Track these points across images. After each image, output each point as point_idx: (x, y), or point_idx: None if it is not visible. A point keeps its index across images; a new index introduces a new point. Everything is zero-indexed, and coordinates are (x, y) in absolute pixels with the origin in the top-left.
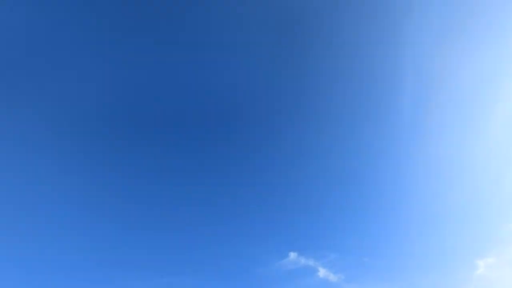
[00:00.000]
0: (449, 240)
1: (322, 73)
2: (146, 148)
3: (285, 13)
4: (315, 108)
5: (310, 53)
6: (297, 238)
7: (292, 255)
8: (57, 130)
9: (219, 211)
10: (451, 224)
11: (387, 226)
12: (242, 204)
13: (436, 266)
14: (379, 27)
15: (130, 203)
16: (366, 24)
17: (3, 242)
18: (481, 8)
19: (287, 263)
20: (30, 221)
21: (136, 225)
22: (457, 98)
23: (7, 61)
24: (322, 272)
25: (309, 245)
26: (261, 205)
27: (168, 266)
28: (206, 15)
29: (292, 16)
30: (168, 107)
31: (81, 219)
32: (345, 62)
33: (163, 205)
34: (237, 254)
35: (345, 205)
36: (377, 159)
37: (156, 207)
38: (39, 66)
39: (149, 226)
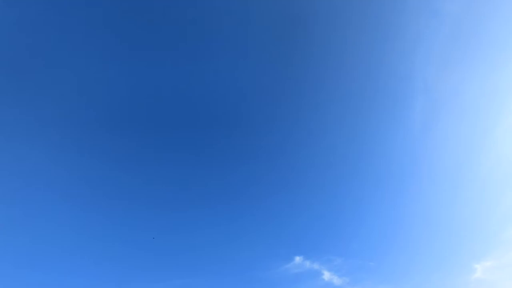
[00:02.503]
0: (448, 244)
1: (338, 85)
2: (154, 153)
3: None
4: (325, 114)
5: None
6: (303, 243)
7: (298, 259)
8: (62, 131)
9: (226, 216)
10: (450, 229)
11: (390, 231)
12: (249, 209)
13: (436, 269)
14: (394, 51)
15: (140, 208)
16: (383, 51)
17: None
18: (482, 36)
19: (292, 267)
20: (42, 223)
21: (145, 229)
22: (462, 113)
23: (7, 60)
24: (327, 276)
25: (314, 250)
26: (268, 210)
27: (176, 269)
28: (209, 19)
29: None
30: (171, 109)
31: (91, 224)
32: (363, 83)
33: (172, 210)
34: (244, 258)
35: (350, 211)
36: (382, 167)
37: (165, 212)
38: (40, 66)
39: (157, 230)
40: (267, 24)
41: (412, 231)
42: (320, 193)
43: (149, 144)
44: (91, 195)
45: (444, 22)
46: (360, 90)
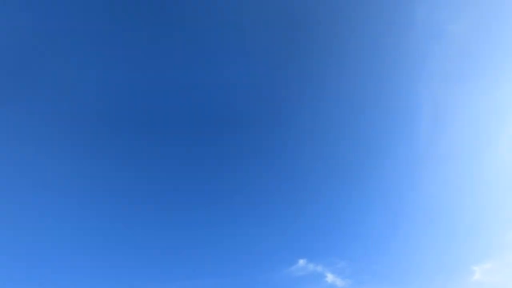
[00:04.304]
0: (448, 247)
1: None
2: (156, 153)
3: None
4: (330, 118)
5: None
6: (307, 246)
7: (301, 262)
8: (61, 131)
9: (229, 219)
10: (450, 232)
11: (392, 234)
12: (252, 211)
13: (437, 272)
14: (403, 66)
15: (145, 210)
16: (390, 66)
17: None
18: (486, 53)
19: (296, 269)
20: (44, 223)
21: (150, 231)
22: (467, 123)
23: (6, 60)
24: (330, 278)
25: (318, 252)
26: (272, 212)
27: (179, 271)
28: (207, 16)
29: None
30: (169, 107)
31: (96, 226)
32: (372, 92)
33: (176, 212)
34: (248, 261)
35: (354, 215)
36: (387, 171)
37: (170, 214)
38: (38, 65)
39: (162, 233)
40: (265, 24)
41: (413, 234)
42: (325, 197)
43: (151, 144)
44: (96, 196)
45: (451, 41)
46: (369, 99)
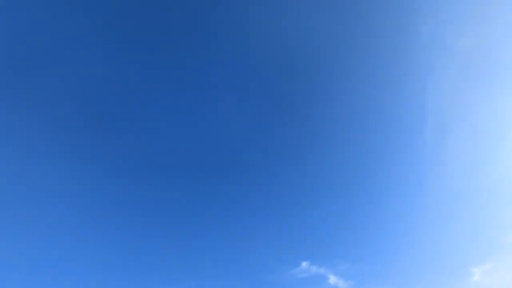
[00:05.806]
0: (448, 249)
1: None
2: (159, 157)
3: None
4: (337, 124)
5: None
6: (310, 248)
7: (304, 264)
8: (64, 131)
9: (233, 221)
10: (451, 234)
11: (393, 236)
12: (256, 214)
13: (437, 273)
14: (409, 77)
15: (148, 212)
16: (397, 77)
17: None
18: (489, 65)
19: (299, 272)
20: (47, 226)
21: (154, 233)
22: (470, 132)
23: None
24: (332, 280)
25: (321, 254)
26: (275, 215)
27: (184, 272)
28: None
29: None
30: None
31: (99, 229)
32: (379, 101)
33: (181, 214)
34: (251, 263)
35: (356, 216)
36: (390, 175)
37: (174, 216)
38: (37, 66)
39: (167, 234)
40: (267, 64)
41: (414, 236)
42: (328, 200)
43: (154, 147)
44: (101, 198)
45: (456, 54)
46: (376, 107)
